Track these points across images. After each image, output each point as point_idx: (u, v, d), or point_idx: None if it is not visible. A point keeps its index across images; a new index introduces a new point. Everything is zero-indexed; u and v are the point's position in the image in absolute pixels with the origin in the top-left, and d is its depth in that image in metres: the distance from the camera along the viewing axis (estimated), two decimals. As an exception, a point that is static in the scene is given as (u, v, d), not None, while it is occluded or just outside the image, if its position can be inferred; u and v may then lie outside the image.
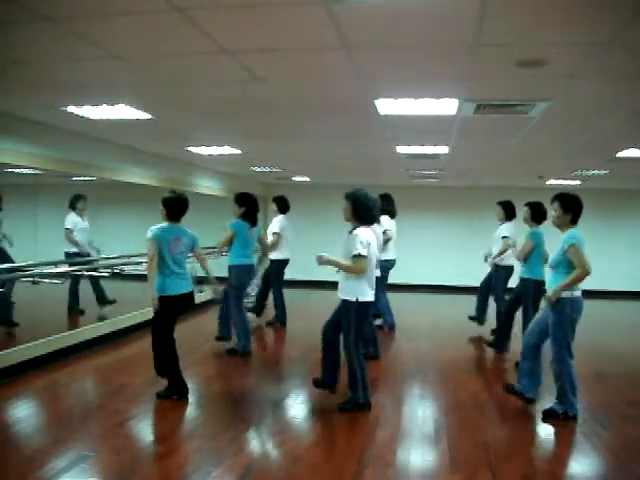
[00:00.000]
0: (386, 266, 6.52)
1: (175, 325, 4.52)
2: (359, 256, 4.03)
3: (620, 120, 4.63)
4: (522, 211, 5.85)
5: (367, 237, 4.11)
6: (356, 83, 3.82)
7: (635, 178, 9.05)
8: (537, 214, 5.62)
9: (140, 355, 5.66)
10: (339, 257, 4.18)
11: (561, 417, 4.08)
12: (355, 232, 4.11)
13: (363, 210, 4.18)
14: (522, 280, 5.71)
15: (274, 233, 7.25)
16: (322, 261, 4.17)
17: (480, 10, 2.51)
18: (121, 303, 7.17)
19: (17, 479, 3.08)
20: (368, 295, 4.17)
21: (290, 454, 3.55)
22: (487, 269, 7.07)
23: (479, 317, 7.23)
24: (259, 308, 7.78)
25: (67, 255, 6.91)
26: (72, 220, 7.02)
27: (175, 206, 4.45)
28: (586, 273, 3.93)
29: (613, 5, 2.44)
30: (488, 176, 9.63)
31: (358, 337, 4.22)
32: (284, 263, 7.43)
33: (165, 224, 4.43)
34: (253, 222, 5.97)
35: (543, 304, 4.36)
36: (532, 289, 5.52)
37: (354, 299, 4.11)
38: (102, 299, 7.20)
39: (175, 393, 4.45)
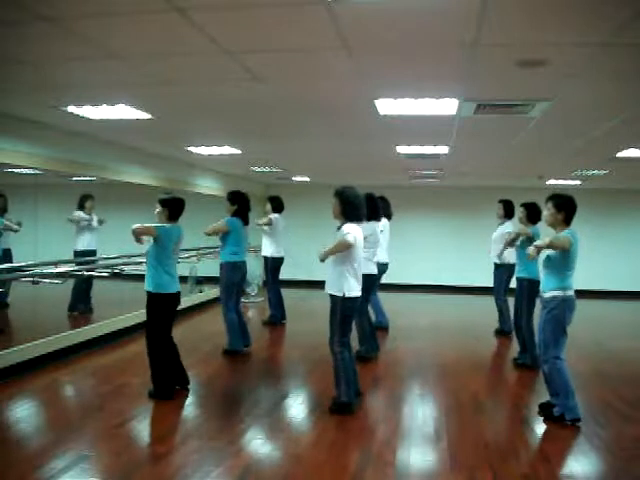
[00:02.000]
0: (380, 269, 6.51)
1: (172, 324, 4.56)
2: (344, 239, 4.08)
3: (620, 120, 4.63)
4: (517, 212, 5.87)
5: (354, 232, 4.14)
6: (356, 83, 3.82)
7: (635, 178, 9.05)
8: (532, 214, 5.64)
9: (140, 355, 5.64)
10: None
11: (558, 420, 4.06)
12: (342, 229, 4.15)
13: (351, 208, 4.19)
14: (517, 280, 5.73)
15: (268, 218, 7.37)
16: (324, 256, 4.22)
17: (480, 10, 2.51)
18: (121, 303, 7.16)
19: (17, 479, 3.08)
20: (355, 290, 4.19)
21: (290, 454, 3.55)
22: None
23: (504, 327, 7.13)
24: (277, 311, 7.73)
25: (76, 254, 6.92)
26: (79, 217, 7.04)
27: (176, 206, 4.52)
28: (562, 247, 3.90)
29: (613, 5, 2.44)
30: (488, 176, 9.63)
31: (344, 333, 4.23)
32: (278, 261, 7.45)
33: (168, 224, 4.46)
34: (245, 221, 5.99)
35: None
36: (526, 288, 5.53)
37: (340, 294, 4.13)
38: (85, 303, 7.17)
39: (177, 383, 4.54)
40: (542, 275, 4.19)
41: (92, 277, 6.67)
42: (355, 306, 4.31)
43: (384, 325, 7.24)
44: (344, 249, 4.11)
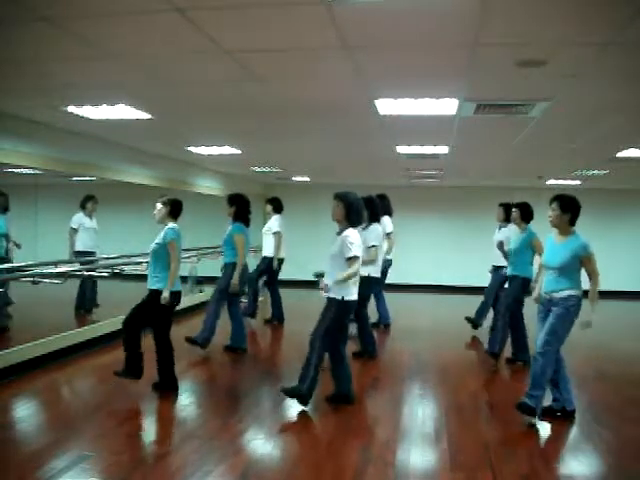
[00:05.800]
0: (385, 266, 6.53)
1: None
2: (355, 257, 4.11)
3: (620, 120, 4.63)
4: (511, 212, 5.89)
5: (355, 238, 4.18)
6: (356, 83, 3.82)
7: (635, 178, 9.05)
8: (525, 214, 5.66)
9: (140, 355, 5.66)
10: (329, 259, 4.25)
11: (561, 415, 4.08)
12: (345, 234, 4.17)
13: (355, 213, 4.26)
14: (510, 278, 5.72)
15: (276, 232, 7.30)
16: (344, 279, 4.11)
17: (480, 10, 2.51)
18: (121, 303, 7.17)
19: (17, 479, 3.08)
20: (353, 294, 4.24)
21: (290, 454, 3.55)
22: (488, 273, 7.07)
23: (477, 320, 7.21)
24: (254, 310, 7.68)
25: (76, 254, 6.91)
26: (78, 221, 7.02)
27: (179, 207, 4.70)
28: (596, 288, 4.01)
29: (613, 5, 2.44)
30: (488, 176, 9.63)
31: (330, 333, 4.24)
32: (279, 261, 7.44)
33: (175, 225, 4.60)
34: (247, 223, 6.02)
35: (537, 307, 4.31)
36: (519, 287, 5.52)
37: (340, 297, 4.16)
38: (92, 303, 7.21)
39: (168, 387, 4.53)
40: (549, 276, 4.15)
41: (92, 277, 6.68)
42: (351, 310, 4.38)
43: (385, 322, 7.27)
44: (357, 273, 4.17)
